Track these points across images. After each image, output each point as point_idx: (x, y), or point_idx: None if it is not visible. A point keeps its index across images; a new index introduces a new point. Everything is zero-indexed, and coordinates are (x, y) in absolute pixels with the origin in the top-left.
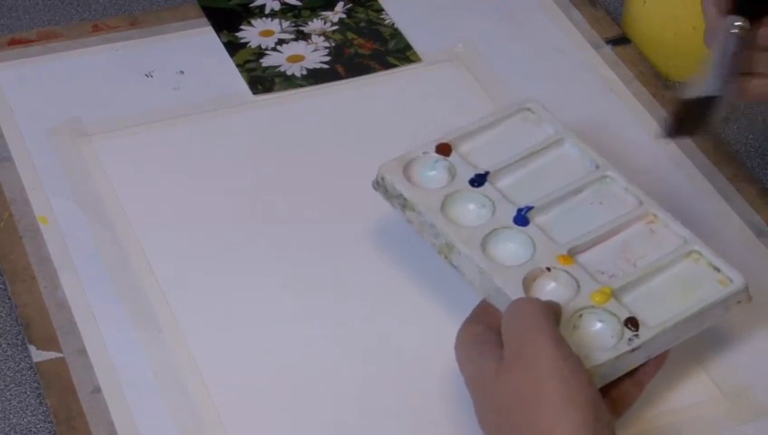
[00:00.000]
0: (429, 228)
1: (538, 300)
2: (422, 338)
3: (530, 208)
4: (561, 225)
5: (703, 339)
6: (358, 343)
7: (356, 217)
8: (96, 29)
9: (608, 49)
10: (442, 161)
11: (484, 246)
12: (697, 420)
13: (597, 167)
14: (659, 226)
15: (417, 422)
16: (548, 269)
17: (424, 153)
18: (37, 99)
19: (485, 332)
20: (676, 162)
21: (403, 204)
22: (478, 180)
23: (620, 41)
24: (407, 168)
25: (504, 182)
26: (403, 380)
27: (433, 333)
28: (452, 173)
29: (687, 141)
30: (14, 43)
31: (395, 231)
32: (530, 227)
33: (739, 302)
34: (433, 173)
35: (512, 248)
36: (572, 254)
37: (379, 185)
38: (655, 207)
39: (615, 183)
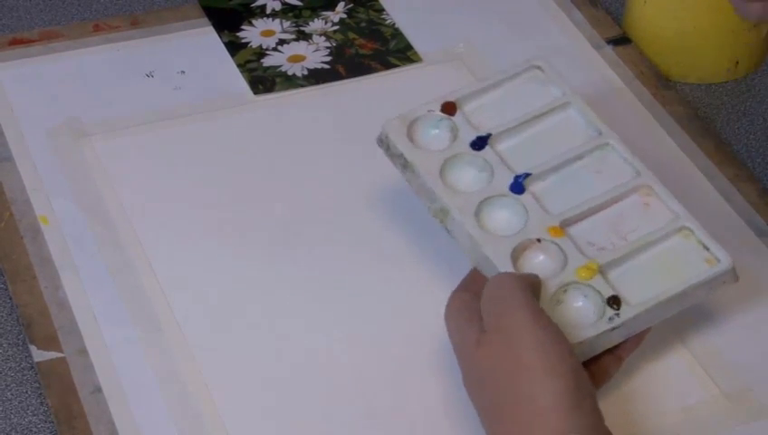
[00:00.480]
0: (427, 191)
1: (516, 274)
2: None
3: (527, 175)
4: (557, 193)
5: (704, 339)
6: (359, 342)
7: (357, 217)
8: (97, 29)
9: (608, 49)
10: (446, 121)
11: (478, 212)
12: (697, 420)
13: (599, 133)
14: (654, 199)
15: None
16: (538, 241)
17: (429, 111)
18: (38, 99)
19: (473, 300)
20: (677, 162)
21: (404, 164)
22: (479, 143)
23: (621, 41)
24: (411, 126)
25: (504, 145)
26: (403, 379)
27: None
28: (454, 133)
29: (689, 142)
30: (15, 42)
31: (395, 230)
32: (525, 196)
33: (725, 282)
34: (436, 132)
35: (505, 216)
36: (564, 225)
37: (382, 142)
38: (652, 179)
39: (615, 152)
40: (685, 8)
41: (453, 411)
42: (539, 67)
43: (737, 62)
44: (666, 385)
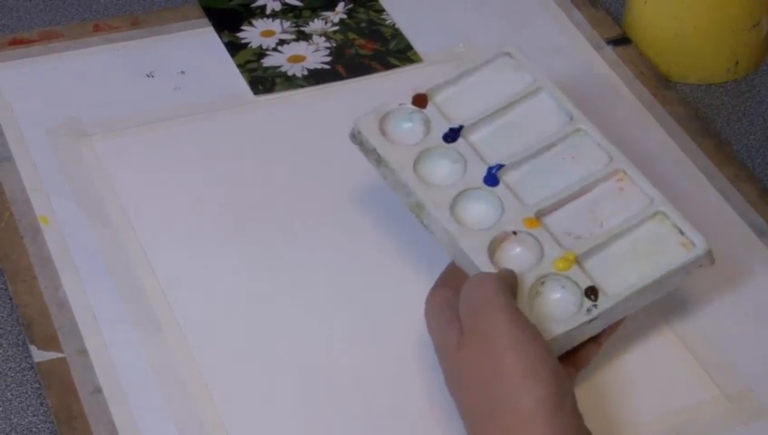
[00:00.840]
0: (402, 186)
1: (492, 274)
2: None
3: (500, 167)
4: (532, 183)
5: (704, 339)
6: (359, 342)
7: (357, 217)
8: (97, 29)
9: (608, 49)
10: (418, 113)
11: (453, 206)
12: (698, 420)
13: (571, 118)
14: (628, 183)
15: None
16: (514, 233)
17: (400, 105)
18: (38, 99)
19: (454, 297)
20: (678, 162)
21: (377, 159)
22: (452, 135)
23: (621, 41)
24: (383, 120)
25: (477, 136)
26: (403, 379)
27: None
28: (427, 126)
29: (689, 142)
30: (15, 43)
31: (396, 230)
32: (499, 187)
33: (701, 266)
34: (409, 125)
35: (481, 209)
36: (540, 215)
37: (355, 138)
38: (625, 163)
39: (588, 137)
40: (684, 8)
41: (453, 411)
42: (509, 54)
43: (737, 62)
44: (666, 386)
